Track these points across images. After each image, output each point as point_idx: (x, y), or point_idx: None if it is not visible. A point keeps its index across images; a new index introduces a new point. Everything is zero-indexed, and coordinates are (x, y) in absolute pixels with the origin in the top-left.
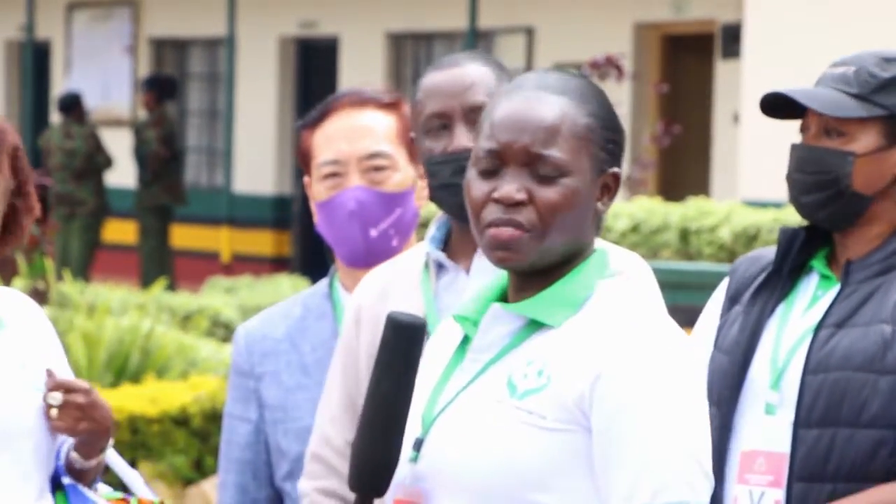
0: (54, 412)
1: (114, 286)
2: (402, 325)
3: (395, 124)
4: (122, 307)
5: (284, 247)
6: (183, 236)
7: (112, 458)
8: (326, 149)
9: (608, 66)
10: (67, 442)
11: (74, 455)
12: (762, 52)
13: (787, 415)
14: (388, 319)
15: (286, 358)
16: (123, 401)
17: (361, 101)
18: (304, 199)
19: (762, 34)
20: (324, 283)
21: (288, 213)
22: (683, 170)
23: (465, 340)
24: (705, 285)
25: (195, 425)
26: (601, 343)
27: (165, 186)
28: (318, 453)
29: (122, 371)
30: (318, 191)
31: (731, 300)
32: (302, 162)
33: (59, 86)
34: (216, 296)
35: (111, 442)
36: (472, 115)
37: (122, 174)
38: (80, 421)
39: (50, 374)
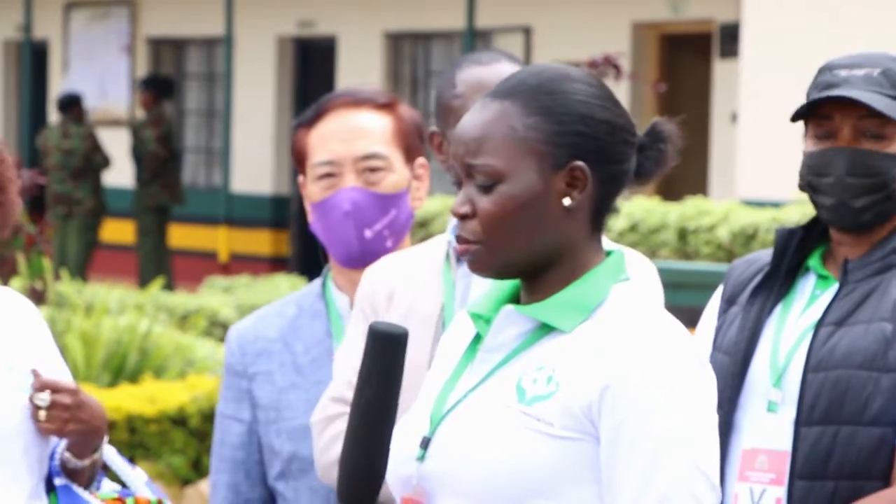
0: (42, 414)
1: (111, 286)
2: (383, 335)
3: (391, 125)
4: (119, 307)
5: (282, 246)
6: (181, 236)
7: (112, 457)
8: (321, 149)
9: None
10: (61, 443)
11: (67, 455)
12: (760, 52)
13: (789, 413)
14: (370, 330)
15: (279, 358)
16: (121, 400)
17: (357, 101)
18: (302, 199)
19: (760, 34)
20: (317, 282)
21: (286, 212)
22: (681, 169)
23: (477, 338)
24: (703, 285)
25: (193, 425)
26: (611, 352)
27: (163, 186)
28: (340, 396)
29: (120, 371)
30: (312, 191)
31: (728, 302)
32: (296, 161)
33: (57, 85)
34: (214, 295)
35: (105, 441)
36: None
37: (120, 174)
38: (67, 422)
39: (36, 374)
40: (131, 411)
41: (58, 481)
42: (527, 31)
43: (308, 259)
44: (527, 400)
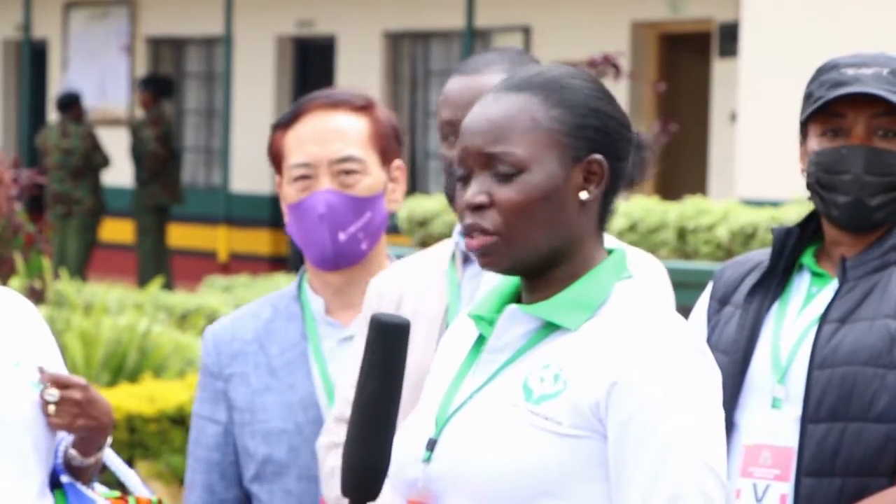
0: (52, 408)
1: (111, 285)
2: (386, 325)
3: (367, 128)
4: (119, 306)
5: (281, 246)
6: (180, 235)
7: (109, 456)
8: (297, 151)
9: (605, 64)
10: (66, 440)
11: (73, 452)
12: (759, 52)
13: (793, 409)
14: (372, 321)
15: (254, 359)
16: (121, 400)
17: (333, 103)
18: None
19: (759, 33)
20: (293, 284)
21: None
22: (681, 169)
23: (480, 340)
24: (703, 284)
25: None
26: (618, 349)
27: (162, 185)
28: (343, 416)
29: (120, 370)
30: (288, 192)
31: (720, 302)
32: (273, 162)
33: (56, 85)
34: (213, 295)
35: (110, 440)
36: None
37: (119, 173)
38: (77, 417)
39: (42, 370)
40: (131, 411)
41: (63, 479)
42: (526, 31)
43: None
44: (534, 399)
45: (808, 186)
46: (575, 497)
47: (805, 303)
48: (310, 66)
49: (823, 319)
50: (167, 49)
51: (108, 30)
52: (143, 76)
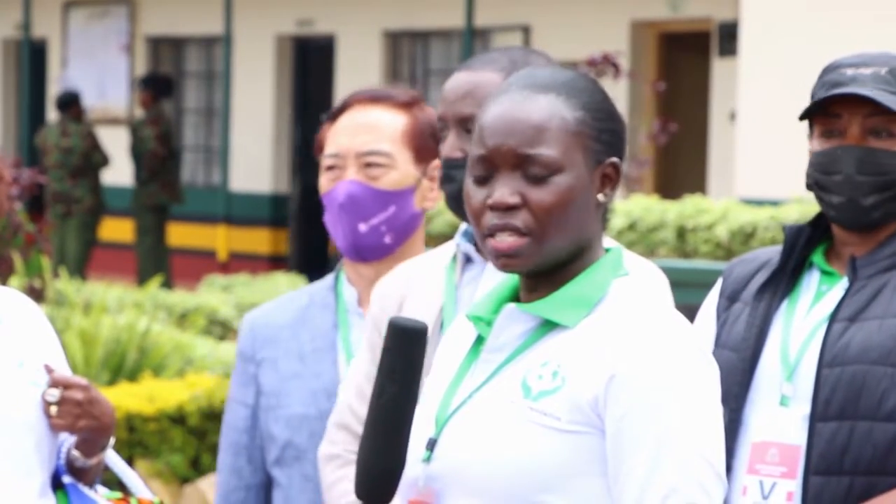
0: (53, 409)
1: (110, 284)
2: (404, 330)
3: (404, 124)
4: (118, 305)
5: (281, 245)
6: (179, 234)
7: (111, 457)
8: (331, 142)
9: (605, 64)
10: (68, 441)
11: (75, 453)
12: (759, 51)
13: (801, 408)
14: (390, 325)
15: (286, 346)
16: (120, 399)
17: (375, 98)
18: (301, 198)
19: (759, 32)
20: (331, 275)
21: (285, 211)
22: (680, 168)
23: (479, 340)
24: (702, 283)
25: (192, 424)
26: (615, 344)
27: (162, 185)
28: (344, 422)
29: (119, 369)
30: (321, 183)
31: (729, 299)
32: (317, 154)
33: (55, 84)
34: (213, 294)
35: (112, 440)
36: (463, 124)
37: (119, 172)
38: (79, 418)
39: (49, 370)
40: (130, 410)
41: (65, 479)
42: (526, 30)
43: (307, 257)
44: (533, 396)
45: (808, 187)
46: (575, 492)
47: (814, 301)
48: (309, 66)
49: (833, 318)
50: (167, 48)
51: (108, 29)
52: (143, 75)
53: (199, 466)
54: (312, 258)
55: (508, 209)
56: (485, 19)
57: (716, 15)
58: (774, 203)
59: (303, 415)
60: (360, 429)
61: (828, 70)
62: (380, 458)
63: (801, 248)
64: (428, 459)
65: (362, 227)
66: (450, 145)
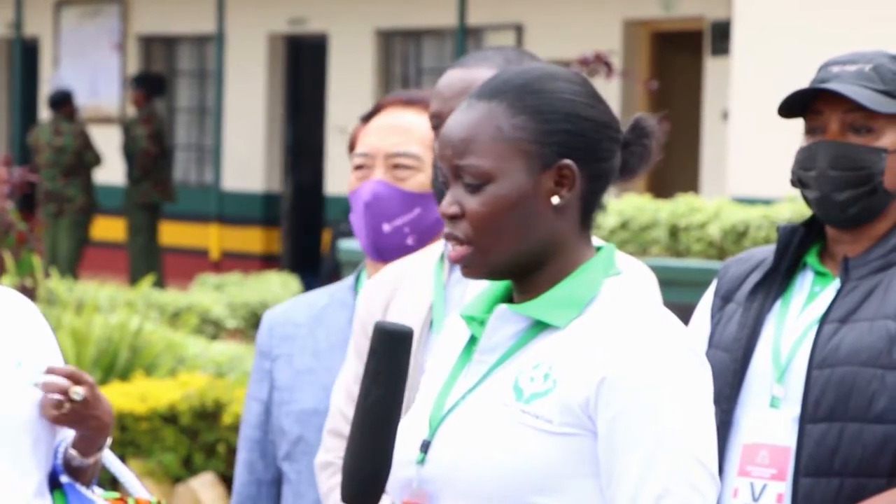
0: (67, 406)
1: (102, 283)
2: (390, 333)
3: None
4: (110, 304)
5: (274, 244)
6: (172, 233)
7: (108, 457)
8: (362, 142)
9: (597, 63)
10: (65, 440)
11: (73, 452)
12: (751, 50)
13: (791, 409)
14: (376, 328)
15: (302, 342)
16: (112, 398)
17: (408, 101)
18: (294, 196)
19: (751, 31)
20: (353, 274)
21: (277, 210)
22: (672, 167)
23: (472, 340)
24: (695, 282)
25: (184, 423)
26: (606, 345)
27: (154, 183)
28: (337, 428)
29: (111, 368)
30: (350, 181)
31: (724, 299)
32: (350, 153)
33: (48, 83)
34: (205, 293)
35: (109, 440)
36: None
37: (111, 171)
38: (80, 415)
39: (51, 371)
40: (122, 409)
41: (63, 479)
42: (518, 29)
43: (299, 257)
44: (525, 398)
45: (792, 184)
46: (568, 494)
47: (807, 302)
48: (302, 64)
49: (824, 319)
50: (159, 47)
51: (100, 28)
52: (135, 74)
53: (191, 466)
54: (305, 257)
55: (451, 218)
56: (477, 18)
57: (708, 14)
58: (767, 202)
59: (313, 409)
60: None
61: (820, 68)
62: (365, 460)
63: (795, 249)
64: (422, 461)
65: (386, 227)
66: None
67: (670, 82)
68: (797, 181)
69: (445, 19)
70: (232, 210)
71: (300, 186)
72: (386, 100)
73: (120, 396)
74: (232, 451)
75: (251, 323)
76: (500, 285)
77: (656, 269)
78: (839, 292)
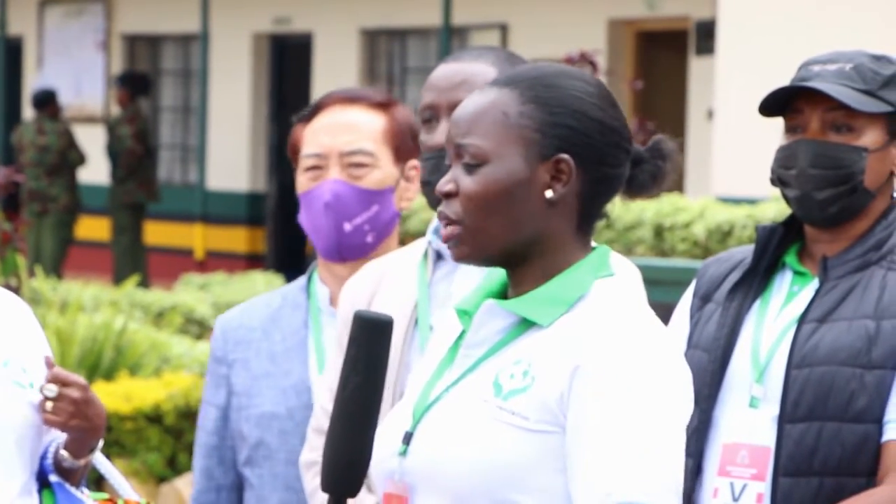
0: (49, 405)
1: (86, 283)
2: (369, 321)
3: (383, 124)
4: (94, 304)
5: (258, 243)
6: (156, 233)
7: (99, 459)
8: (311, 142)
9: (582, 62)
10: (55, 441)
11: (64, 453)
12: (736, 49)
13: (771, 409)
14: (355, 317)
15: (257, 346)
16: None
17: (351, 98)
18: (279, 196)
19: (736, 31)
20: (305, 275)
21: (262, 209)
22: None
23: (463, 334)
24: (679, 282)
25: (169, 422)
26: (582, 338)
27: (139, 183)
28: (321, 427)
29: (95, 368)
30: (300, 182)
31: (703, 299)
32: (291, 155)
33: (31, 82)
34: (190, 293)
35: (101, 443)
36: None
37: (95, 171)
38: (73, 416)
39: (49, 364)
40: (106, 409)
41: (52, 478)
42: (503, 28)
43: (284, 256)
44: (503, 394)
45: (772, 183)
46: (542, 490)
47: (786, 301)
48: (286, 64)
49: (803, 319)
50: (143, 46)
51: (84, 27)
52: (120, 73)
53: (175, 465)
54: (289, 257)
55: (446, 196)
56: (462, 18)
57: (693, 13)
58: (752, 201)
59: (272, 413)
60: None
61: (800, 67)
62: (344, 449)
63: (774, 248)
64: (404, 453)
65: (347, 227)
66: (442, 132)
67: (655, 82)
68: (777, 180)
69: (430, 19)
70: (216, 210)
71: (285, 186)
72: (327, 98)
73: (104, 396)
74: None
75: None
76: (495, 281)
77: (641, 269)
78: (818, 292)
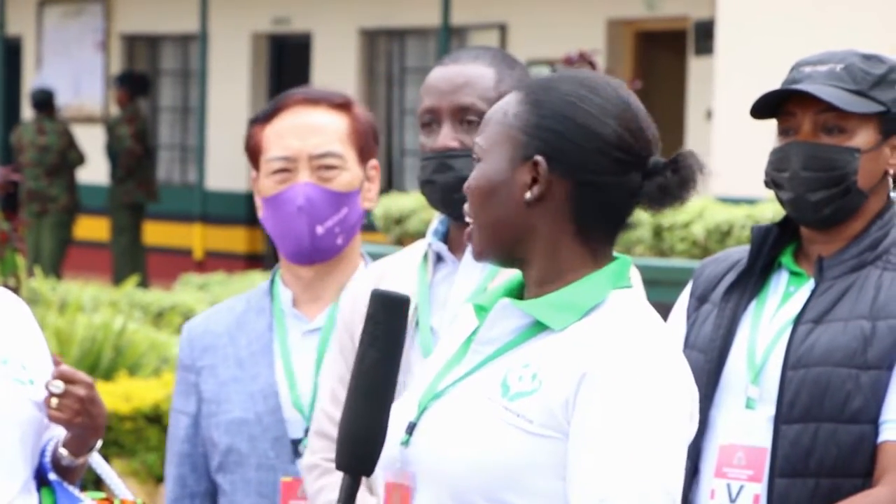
0: (54, 401)
1: (86, 283)
2: (387, 299)
3: (347, 125)
4: (94, 304)
5: (257, 243)
6: (155, 233)
7: (95, 458)
8: (277, 144)
9: (581, 62)
10: (54, 439)
11: (63, 451)
12: (735, 49)
13: (767, 410)
14: (373, 295)
15: (223, 352)
16: None
17: (313, 99)
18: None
19: (735, 31)
20: (268, 279)
21: None
22: None
23: (477, 330)
24: (678, 282)
25: (168, 422)
26: (592, 346)
27: (138, 183)
28: (322, 430)
29: (95, 368)
30: (265, 186)
31: (699, 300)
32: (250, 157)
33: (30, 82)
34: (189, 293)
35: (100, 443)
36: (460, 114)
37: (95, 171)
38: (77, 414)
39: (57, 361)
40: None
41: (51, 477)
42: (502, 28)
43: None
44: (510, 395)
45: (765, 185)
46: (539, 494)
47: (782, 302)
48: (285, 64)
49: (798, 320)
50: (142, 46)
51: (83, 27)
52: (119, 73)
53: None
54: None
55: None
56: (461, 18)
57: (692, 13)
58: (751, 201)
59: (242, 419)
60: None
61: (791, 69)
62: (360, 425)
63: (770, 249)
64: (406, 443)
65: (319, 230)
66: (445, 135)
67: (654, 82)
68: (771, 182)
69: (429, 19)
70: (216, 210)
71: None
72: (286, 99)
73: (103, 396)
74: None
75: None
76: (515, 280)
77: (640, 269)
78: (814, 292)
